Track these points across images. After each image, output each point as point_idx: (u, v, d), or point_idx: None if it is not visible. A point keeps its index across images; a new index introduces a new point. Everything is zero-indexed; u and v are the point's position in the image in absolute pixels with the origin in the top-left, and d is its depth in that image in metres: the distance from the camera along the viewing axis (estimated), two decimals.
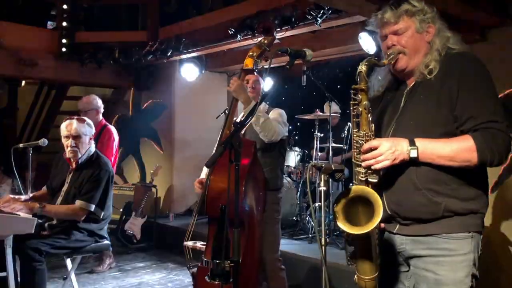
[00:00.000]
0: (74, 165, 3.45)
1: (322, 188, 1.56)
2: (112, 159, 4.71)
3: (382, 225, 1.76)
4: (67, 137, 3.39)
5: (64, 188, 3.44)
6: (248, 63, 2.57)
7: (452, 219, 1.67)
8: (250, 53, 2.56)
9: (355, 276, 1.76)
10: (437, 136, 1.65)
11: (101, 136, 4.68)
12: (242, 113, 2.91)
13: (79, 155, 3.41)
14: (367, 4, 2.93)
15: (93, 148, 3.53)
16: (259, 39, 2.77)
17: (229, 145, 1.59)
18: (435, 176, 1.66)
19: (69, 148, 3.38)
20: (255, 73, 2.97)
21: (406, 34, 1.75)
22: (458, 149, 1.60)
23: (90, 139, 3.50)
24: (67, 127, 3.41)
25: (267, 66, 2.15)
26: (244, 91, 2.78)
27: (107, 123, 4.95)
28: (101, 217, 3.40)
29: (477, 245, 1.72)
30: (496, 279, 3.61)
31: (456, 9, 3.23)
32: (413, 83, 1.80)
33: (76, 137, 3.38)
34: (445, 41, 1.76)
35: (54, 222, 3.40)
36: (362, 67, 1.68)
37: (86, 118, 3.58)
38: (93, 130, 3.56)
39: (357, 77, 1.67)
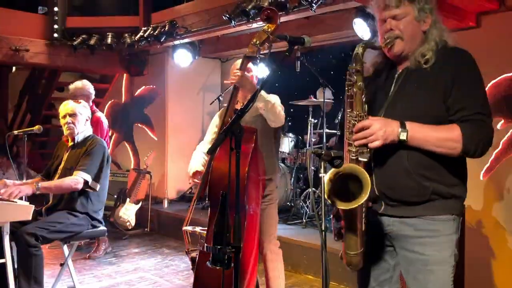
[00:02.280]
0: (70, 143, 3.56)
1: (323, 174, 1.58)
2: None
3: (369, 203, 1.80)
4: (64, 116, 3.52)
5: (61, 166, 3.52)
6: (252, 50, 2.57)
7: (437, 202, 1.76)
8: (254, 41, 2.55)
9: (340, 253, 1.82)
10: (427, 123, 1.71)
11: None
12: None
13: (76, 132, 3.52)
14: None
15: (89, 131, 3.65)
16: (260, 25, 2.75)
17: (230, 133, 1.61)
18: (425, 162, 1.72)
19: (66, 126, 3.51)
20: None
21: (405, 19, 1.79)
22: (446, 137, 1.68)
23: (86, 120, 3.60)
24: (64, 106, 3.56)
25: (265, 52, 2.16)
26: (248, 80, 2.79)
27: (96, 110, 4.95)
28: (97, 189, 3.43)
29: (458, 227, 1.83)
30: (487, 262, 3.69)
31: None
32: (404, 68, 1.85)
33: (72, 115, 3.51)
34: (441, 33, 1.82)
35: (49, 204, 3.44)
36: (359, 49, 1.73)
37: (81, 100, 3.69)
38: (89, 112, 3.67)
39: (353, 59, 1.73)
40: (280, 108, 2.91)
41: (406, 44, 1.80)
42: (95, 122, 4.72)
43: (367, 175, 1.62)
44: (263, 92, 2.78)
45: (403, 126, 1.68)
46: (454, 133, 1.67)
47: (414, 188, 1.73)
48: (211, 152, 1.62)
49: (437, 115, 1.72)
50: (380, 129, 1.66)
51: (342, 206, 1.63)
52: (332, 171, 1.65)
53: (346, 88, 1.74)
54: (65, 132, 3.54)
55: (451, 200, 1.78)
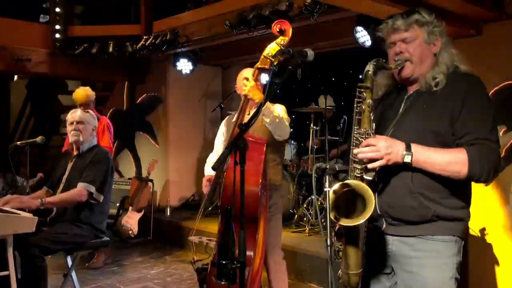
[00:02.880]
0: (75, 152, 3.57)
1: (327, 189, 1.58)
2: (111, 146, 4.89)
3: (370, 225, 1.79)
4: (71, 123, 3.53)
5: (65, 176, 3.53)
6: (264, 63, 2.57)
7: (438, 223, 1.74)
8: (266, 53, 2.55)
9: (339, 272, 1.81)
10: (433, 145, 1.70)
11: (99, 127, 4.73)
12: (236, 112, 2.91)
13: (81, 140, 3.52)
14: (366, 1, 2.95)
15: (95, 141, 3.67)
16: (261, 33, 2.73)
17: (235, 148, 1.61)
18: (428, 183, 1.72)
19: (72, 132, 3.52)
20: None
21: (414, 42, 1.81)
22: (451, 160, 1.67)
23: (93, 130, 3.62)
24: (71, 114, 3.58)
25: (276, 64, 2.18)
26: (258, 91, 2.78)
27: (100, 114, 5.00)
28: (100, 201, 3.43)
29: (460, 249, 1.80)
30: (491, 269, 3.68)
31: (452, 4, 3.25)
32: (414, 90, 1.86)
33: (79, 123, 3.52)
34: (453, 57, 1.83)
35: (53, 214, 3.43)
36: (370, 67, 1.73)
37: (89, 111, 3.77)
38: (96, 122, 3.70)
39: (364, 76, 1.72)
40: (286, 123, 2.92)
41: (415, 67, 1.81)
42: (107, 125, 4.80)
43: (372, 193, 1.61)
44: (270, 105, 2.78)
45: (408, 148, 1.67)
46: (460, 156, 1.66)
47: (415, 207, 1.72)
48: (215, 168, 1.63)
49: (443, 137, 1.72)
50: (386, 148, 1.65)
51: (345, 222, 1.62)
52: (337, 185, 1.64)
53: (355, 105, 1.73)
54: (71, 139, 3.55)
55: (453, 222, 1.76)
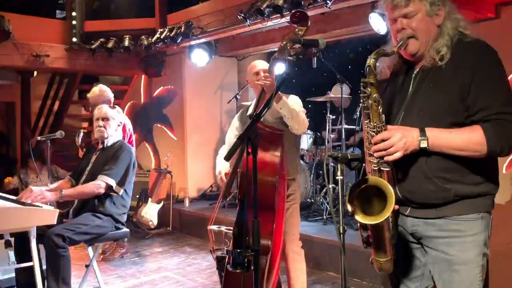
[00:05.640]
0: (100, 146, 3.69)
1: (339, 177, 1.58)
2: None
3: (397, 206, 1.78)
4: (97, 119, 3.65)
5: (88, 168, 3.63)
6: (281, 53, 2.55)
7: (462, 202, 1.70)
8: (284, 43, 2.53)
9: (371, 258, 1.81)
10: (446, 125, 1.65)
11: None
12: (252, 103, 2.91)
13: (106, 135, 3.63)
14: None
15: (119, 137, 3.76)
16: (275, 22, 2.70)
17: (246, 138, 1.62)
18: (444, 164, 1.67)
19: (97, 128, 3.64)
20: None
21: (416, 17, 1.72)
22: (468, 141, 1.61)
23: (118, 125, 3.72)
24: (98, 110, 3.68)
25: (294, 54, 2.16)
26: (274, 85, 2.74)
27: None
28: (120, 193, 3.52)
29: (488, 225, 1.76)
30: None
31: None
32: (420, 67, 1.78)
33: (105, 119, 3.63)
34: (456, 24, 1.74)
35: (75, 205, 3.52)
36: (371, 61, 1.67)
37: (116, 106, 3.84)
38: (122, 117, 3.79)
39: (366, 71, 1.66)
40: (304, 116, 2.91)
41: (421, 43, 1.73)
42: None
43: (391, 189, 1.59)
44: (286, 99, 2.77)
45: (423, 133, 1.62)
46: (477, 135, 1.60)
47: (435, 191, 1.69)
48: (227, 158, 1.64)
49: (455, 115, 1.66)
50: (400, 140, 1.61)
51: (367, 220, 1.61)
52: (356, 190, 1.62)
53: (361, 100, 1.69)
54: (96, 134, 3.67)
55: (477, 198, 1.72)
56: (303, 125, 2.93)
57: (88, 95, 4.88)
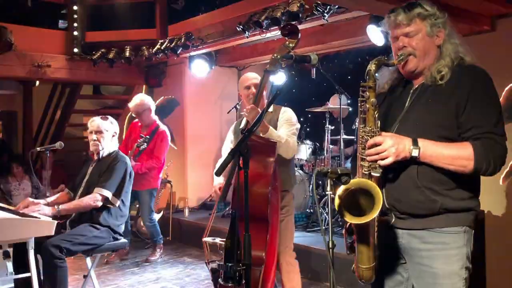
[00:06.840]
0: (96, 157, 3.71)
1: (329, 193, 1.60)
2: (162, 158, 5.13)
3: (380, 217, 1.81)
4: (91, 132, 3.68)
5: (85, 180, 3.66)
6: (273, 65, 2.60)
7: (446, 215, 1.75)
8: (275, 55, 2.58)
9: (353, 266, 1.84)
10: (439, 138, 1.72)
11: (154, 136, 5.05)
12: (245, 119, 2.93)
13: (101, 148, 3.65)
14: (373, 1, 2.95)
15: (115, 147, 3.77)
16: (273, 34, 2.73)
17: (238, 153, 1.65)
18: (434, 176, 1.73)
19: (91, 142, 3.67)
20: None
21: (417, 36, 1.81)
22: (457, 155, 1.68)
23: (113, 136, 3.73)
24: (90, 123, 3.70)
25: (285, 66, 2.20)
26: (262, 98, 2.80)
27: (160, 123, 5.22)
28: (116, 205, 3.54)
29: (470, 239, 1.81)
30: (509, 268, 3.63)
31: (466, 2, 3.22)
32: (420, 83, 1.86)
33: (98, 132, 3.65)
34: (457, 48, 1.82)
35: (73, 217, 3.54)
36: (372, 66, 1.75)
37: (109, 116, 3.81)
38: (116, 127, 3.79)
39: (366, 75, 1.74)
40: (293, 140, 2.93)
41: (419, 61, 1.82)
42: (159, 137, 5.05)
43: (379, 190, 1.64)
44: (272, 130, 2.79)
45: (415, 143, 1.69)
46: (466, 151, 1.67)
47: (422, 201, 1.74)
48: (218, 174, 1.67)
49: (448, 130, 1.73)
50: (392, 146, 1.67)
51: (354, 220, 1.65)
52: (342, 188, 1.67)
53: (359, 104, 1.76)
54: (91, 148, 3.70)
55: (462, 213, 1.77)
56: (290, 152, 2.95)
57: (129, 104, 4.98)
